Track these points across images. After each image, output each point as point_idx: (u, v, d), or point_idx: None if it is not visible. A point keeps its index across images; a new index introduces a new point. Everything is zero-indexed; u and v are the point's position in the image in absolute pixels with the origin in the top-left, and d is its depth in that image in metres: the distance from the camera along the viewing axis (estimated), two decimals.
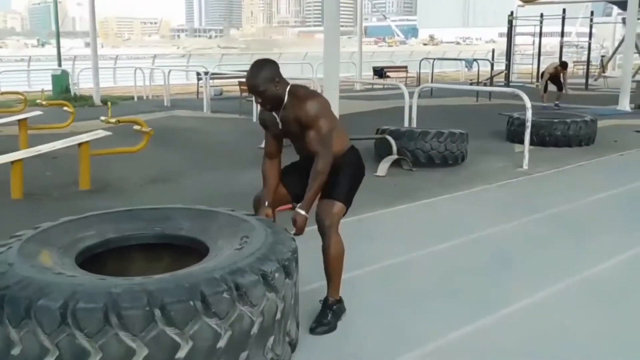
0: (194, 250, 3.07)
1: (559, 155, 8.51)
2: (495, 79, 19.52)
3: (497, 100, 15.74)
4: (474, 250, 4.73)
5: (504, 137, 9.83)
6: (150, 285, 2.38)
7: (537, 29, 20.85)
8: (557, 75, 14.04)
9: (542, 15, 19.83)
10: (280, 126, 3.36)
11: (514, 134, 9.51)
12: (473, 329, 3.39)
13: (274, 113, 3.35)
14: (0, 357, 2.40)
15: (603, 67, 21.92)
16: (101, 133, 6.79)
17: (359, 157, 3.58)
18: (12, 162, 6.16)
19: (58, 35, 18.61)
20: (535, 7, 23.22)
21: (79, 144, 6.55)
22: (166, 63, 24.47)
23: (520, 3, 21.75)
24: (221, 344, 2.42)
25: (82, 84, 17.97)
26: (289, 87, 3.30)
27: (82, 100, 15.18)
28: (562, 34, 15.07)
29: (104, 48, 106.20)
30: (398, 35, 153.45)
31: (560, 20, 19.40)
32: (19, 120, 8.56)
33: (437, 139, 7.52)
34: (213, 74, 16.16)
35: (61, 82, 16.28)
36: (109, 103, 8.17)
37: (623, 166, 8.04)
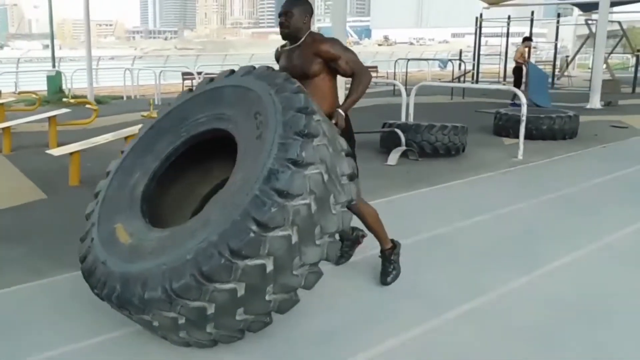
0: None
1: (547, 147, 9.22)
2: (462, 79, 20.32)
3: (469, 98, 16.57)
4: (502, 224, 5.37)
5: (490, 131, 10.50)
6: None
7: (501, 30, 21.82)
8: (522, 63, 14.74)
9: (509, 17, 20.76)
10: (287, 61, 3.65)
11: (501, 128, 10.21)
12: (527, 280, 4.03)
13: (286, 48, 3.71)
14: None
15: (567, 66, 23.00)
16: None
17: (348, 120, 3.75)
18: (71, 153, 6.58)
19: (52, 38, 18.67)
20: (498, 9, 24.09)
21: (126, 137, 7.00)
22: (126, 64, 24.30)
23: (486, 5, 22.61)
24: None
25: (74, 84, 18.09)
26: (308, 32, 3.64)
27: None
28: (531, 35, 15.91)
29: (62, 50, 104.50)
30: (352, 36, 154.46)
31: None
32: (49, 117, 8.90)
33: (441, 132, 8.13)
34: (199, 73, 16.54)
35: (55, 82, 16.41)
36: (151, 100, 8.59)
37: (609, 156, 8.78)
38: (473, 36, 21.26)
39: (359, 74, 3.62)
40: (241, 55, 30.82)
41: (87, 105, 10.14)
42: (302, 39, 3.60)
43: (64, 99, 11.06)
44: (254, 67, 3.25)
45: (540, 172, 7.69)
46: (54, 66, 18.27)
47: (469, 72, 21.05)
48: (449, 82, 17.74)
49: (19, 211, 5.73)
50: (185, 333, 2.77)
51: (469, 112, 13.19)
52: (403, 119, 9.63)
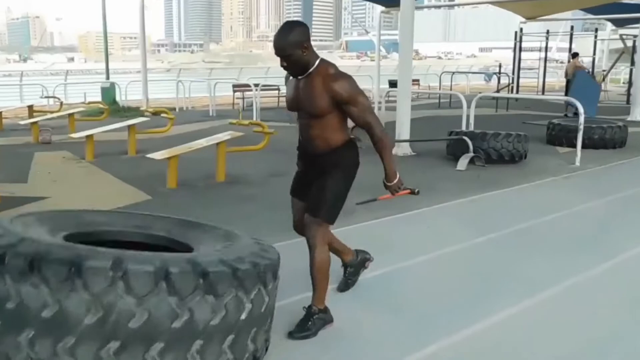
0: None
1: (600, 155, 9.85)
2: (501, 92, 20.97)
3: (512, 110, 17.21)
4: (576, 219, 6.10)
5: (542, 140, 11.13)
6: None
7: (539, 45, 22.45)
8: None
9: (548, 32, 21.41)
10: (294, 92, 3.40)
11: (554, 138, 10.87)
12: (608, 266, 4.72)
13: (297, 77, 3.37)
14: None
15: (603, 79, 23.52)
16: (235, 133, 7.97)
17: (356, 154, 3.55)
18: (169, 158, 7.34)
19: (106, 52, 19.66)
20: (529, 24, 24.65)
21: (217, 143, 7.75)
22: (153, 77, 24.97)
23: (523, 20, 23.21)
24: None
25: (128, 95, 19.04)
26: (319, 60, 3.28)
27: (132, 111, 16.22)
28: (570, 49, 16.58)
29: (87, 63, 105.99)
30: (381, 50, 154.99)
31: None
32: (129, 126, 9.72)
33: (506, 140, 8.83)
34: (247, 85, 17.46)
35: (110, 93, 17.33)
36: (239, 109, 9.36)
37: None
38: (501, 50, 21.86)
39: (371, 127, 3.35)
40: (271, 68, 31.56)
41: (163, 115, 10.89)
42: (311, 69, 3.29)
43: (149, 110, 11.87)
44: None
45: (598, 177, 8.36)
46: (107, 78, 19.20)
47: (507, 85, 21.69)
48: (495, 93, 18.35)
49: (137, 209, 6.27)
50: None
51: (517, 124, 13.81)
52: (463, 128, 10.34)
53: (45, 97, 16.08)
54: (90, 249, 2.54)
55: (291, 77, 3.44)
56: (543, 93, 21.82)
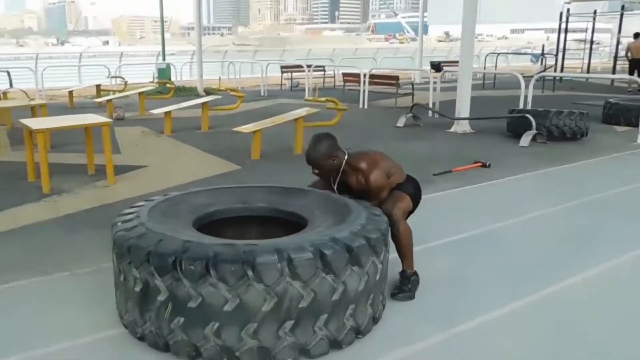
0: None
1: None
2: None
3: (558, 92, 17.35)
4: None
5: (597, 120, 11.31)
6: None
7: (586, 25, 22.38)
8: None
9: (595, 12, 21.35)
10: (334, 186, 3.77)
11: (611, 117, 11.05)
12: None
13: (331, 181, 3.76)
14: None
15: None
16: (311, 110, 8.38)
17: (417, 185, 3.93)
18: (254, 131, 7.79)
19: (163, 35, 20.28)
20: (581, 3, 24.50)
21: (296, 118, 8.17)
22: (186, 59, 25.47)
23: (567, 0, 23.13)
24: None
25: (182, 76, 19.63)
26: (346, 157, 3.64)
27: (188, 91, 16.72)
28: (620, 30, 16.70)
29: (121, 46, 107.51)
30: (408, 32, 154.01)
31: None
32: (203, 103, 10.20)
33: (568, 117, 9.09)
34: (297, 66, 17.87)
35: (165, 74, 17.88)
36: (316, 89, 9.77)
37: None
38: (533, 32, 21.79)
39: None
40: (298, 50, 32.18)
41: (232, 93, 11.39)
42: (341, 171, 3.68)
43: (220, 88, 12.52)
44: None
45: None
46: (164, 59, 19.77)
47: (551, 66, 21.72)
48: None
49: (228, 177, 6.79)
50: None
51: (566, 104, 13.98)
52: (521, 106, 10.60)
53: (112, 77, 16.66)
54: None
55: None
56: (588, 73, 21.86)
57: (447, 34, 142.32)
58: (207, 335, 2.79)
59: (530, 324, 3.34)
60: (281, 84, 18.94)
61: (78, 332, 3.18)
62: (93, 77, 17.60)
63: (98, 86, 14.46)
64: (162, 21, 20.24)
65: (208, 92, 16.16)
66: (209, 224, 3.52)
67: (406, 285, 3.70)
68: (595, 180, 6.85)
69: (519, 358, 3.01)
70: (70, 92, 13.83)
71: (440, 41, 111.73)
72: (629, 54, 17.40)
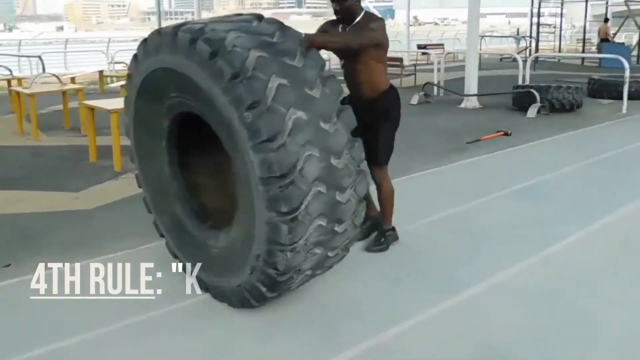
0: None
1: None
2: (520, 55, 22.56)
3: (539, 71, 18.82)
4: None
5: (584, 94, 12.64)
6: None
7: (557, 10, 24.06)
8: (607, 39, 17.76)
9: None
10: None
11: (595, 91, 12.50)
12: None
13: (337, 24, 3.86)
14: None
15: None
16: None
17: (398, 98, 3.99)
18: None
19: (160, 19, 20.99)
20: None
21: None
22: None
23: None
24: None
25: None
26: (364, 12, 3.77)
27: None
28: (586, 15, 18.31)
29: (78, 32, 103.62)
30: None
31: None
32: None
33: (566, 91, 10.51)
34: None
35: None
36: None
37: None
38: (494, 16, 23.27)
39: (363, 38, 3.65)
40: None
41: None
42: (358, 18, 3.75)
43: None
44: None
45: None
46: None
47: (525, 48, 23.20)
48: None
49: None
50: None
51: (550, 81, 15.41)
52: (520, 83, 11.97)
53: (115, 62, 17.26)
54: None
55: (330, 26, 3.91)
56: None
57: (415, 18, 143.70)
58: None
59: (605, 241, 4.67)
60: None
61: None
62: (77, 65, 18.25)
63: (101, 72, 14.94)
64: (158, 7, 20.88)
65: None
66: None
67: (379, 240, 4.12)
68: (599, 143, 8.24)
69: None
70: (101, 76, 14.54)
71: (411, 25, 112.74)
72: (599, 35, 19.36)
